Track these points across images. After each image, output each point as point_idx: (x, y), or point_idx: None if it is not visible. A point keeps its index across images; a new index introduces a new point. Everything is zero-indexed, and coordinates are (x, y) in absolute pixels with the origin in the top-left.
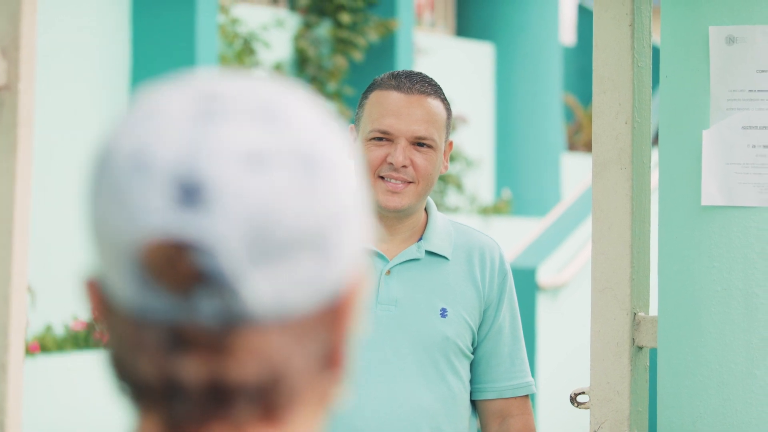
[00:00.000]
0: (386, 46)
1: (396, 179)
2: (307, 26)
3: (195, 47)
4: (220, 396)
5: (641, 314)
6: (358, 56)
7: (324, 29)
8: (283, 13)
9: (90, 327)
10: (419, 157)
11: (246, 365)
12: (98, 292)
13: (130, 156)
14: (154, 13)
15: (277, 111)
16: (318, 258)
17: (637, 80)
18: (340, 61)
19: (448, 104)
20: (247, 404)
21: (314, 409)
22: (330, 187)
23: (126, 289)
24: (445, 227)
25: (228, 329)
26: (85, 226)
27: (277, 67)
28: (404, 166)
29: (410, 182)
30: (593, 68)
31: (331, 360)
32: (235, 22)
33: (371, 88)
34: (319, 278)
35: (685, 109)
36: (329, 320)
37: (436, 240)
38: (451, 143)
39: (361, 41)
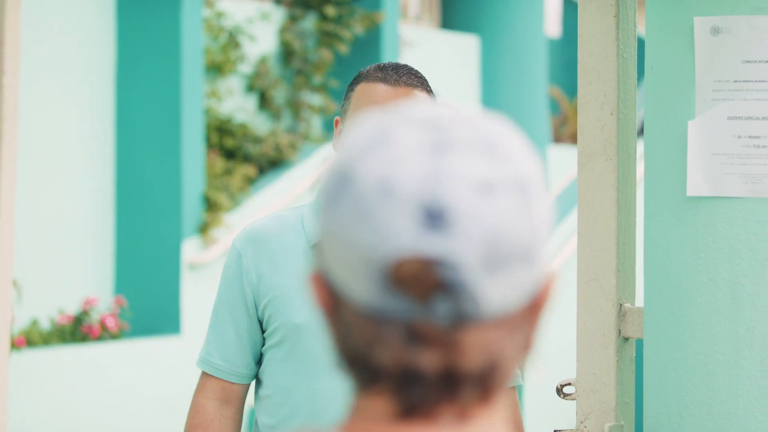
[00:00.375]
0: (372, 39)
1: None
2: (293, 19)
3: (180, 41)
4: (451, 382)
5: (627, 305)
6: (343, 49)
7: (309, 22)
8: (268, 6)
9: (76, 321)
10: None
11: (472, 356)
12: (326, 288)
13: (377, 182)
14: (139, 6)
15: (495, 143)
16: (528, 266)
17: (622, 71)
18: (326, 54)
19: (434, 96)
20: (472, 389)
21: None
22: (538, 208)
23: (366, 292)
24: None
25: (458, 327)
26: (324, 237)
27: (263, 61)
28: None
29: None
30: (578, 59)
31: (525, 346)
32: (220, 15)
33: (357, 80)
34: (528, 282)
35: (670, 99)
36: (529, 315)
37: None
38: None
39: (346, 34)
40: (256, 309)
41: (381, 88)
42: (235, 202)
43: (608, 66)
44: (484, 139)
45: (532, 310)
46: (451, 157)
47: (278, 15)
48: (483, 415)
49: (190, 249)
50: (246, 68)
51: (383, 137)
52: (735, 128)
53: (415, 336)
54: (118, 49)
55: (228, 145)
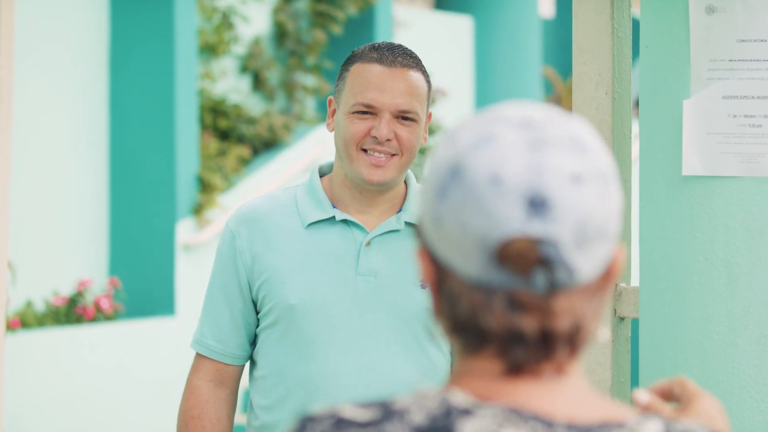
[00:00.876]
0: (365, 19)
1: (380, 152)
2: (286, 0)
3: (174, 22)
4: (547, 342)
5: (623, 285)
6: (337, 30)
7: (303, 3)
8: None
9: (70, 302)
10: (403, 130)
11: (563, 319)
12: (432, 263)
13: (487, 175)
14: None
15: (581, 140)
16: (605, 243)
17: (617, 51)
18: (319, 35)
19: (428, 76)
20: (564, 347)
21: None
22: (614, 195)
23: (476, 267)
24: None
25: (552, 295)
26: (433, 219)
27: (256, 42)
28: (388, 140)
29: (393, 155)
30: (573, 39)
31: (599, 309)
32: None
33: (351, 60)
34: (605, 256)
35: (665, 79)
36: (603, 283)
37: (415, 209)
38: (430, 115)
39: (339, 15)
40: (250, 290)
41: (376, 69)
42: (229, 183)
43: (603, 46)
44: (572, 137)
45: (605, 278)
46: (548, 153)
47: None
48: (573, 369)
49: (185, 230)
50: (239, 49)
51: (488, 135)
52: (730, 107)
53: (517, 303)
54: (112, 31)
55: (222, 126)
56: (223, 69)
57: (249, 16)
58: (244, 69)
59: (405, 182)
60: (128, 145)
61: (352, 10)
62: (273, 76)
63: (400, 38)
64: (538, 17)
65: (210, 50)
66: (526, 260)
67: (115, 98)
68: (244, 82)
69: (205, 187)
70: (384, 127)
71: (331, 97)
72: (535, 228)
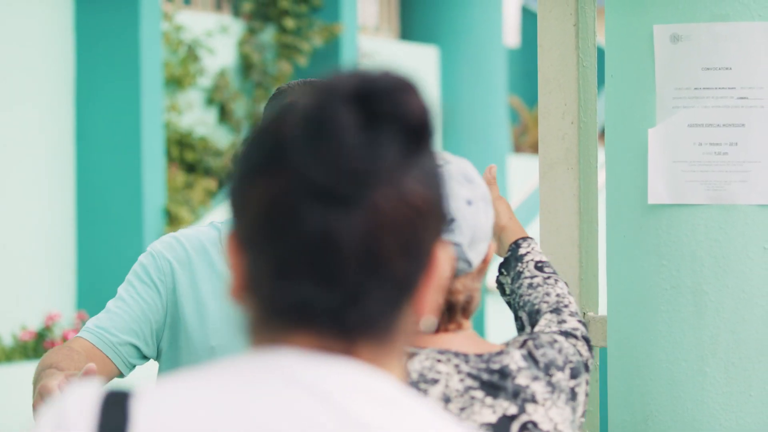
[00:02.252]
0: (330, 50)
1: None
2: (251, 32)
3: (139, 54)
4: (451, 310)
5: (591, 314)
6: (302, 61)
7: (268, 35)
8: (227, 19)
9: (38, 337)
10: None
11: (461, 294)
12: None
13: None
14: (97, 19)
15: (468, 175)
16: (485, 242)
17: (582, 80)
18: (285, 67)
19: None
20: (461, 312)
21: None
22: (490, 211)
23: None
24: None
25: (455, 279)
26: None
27: (222, 74)
28: None
29: None
30: (538, 69)
31: (480, 286)
32: (179, 29)
33: (279, 95)
34: (485, 251)
35: (630, 107)
36: (483, 267)
37: None
38: None
39: (305, 46)
40: (165, 317)
41: None
42: (196, 215)
43: (568, 75)
44: (464, 174)
45: (484, 264)
46: (451, 186)
47: (237, 28)
48: (468, 325)
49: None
50: (205, 81)
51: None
52: (695, 135)
53: None
54: (77, 62)
55: (188, 158)
56: (189, 101)
57: (214, 49)
58: (210, 101)
59: None
60: (95, 179)
61: (318, 41)
62: (239, 108)
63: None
64: (503, 47)
65: (176, 83)
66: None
67: (81, 131)
68: (211, 115)
69: (172, 219)
70: None
71: None
72: (446, 237)
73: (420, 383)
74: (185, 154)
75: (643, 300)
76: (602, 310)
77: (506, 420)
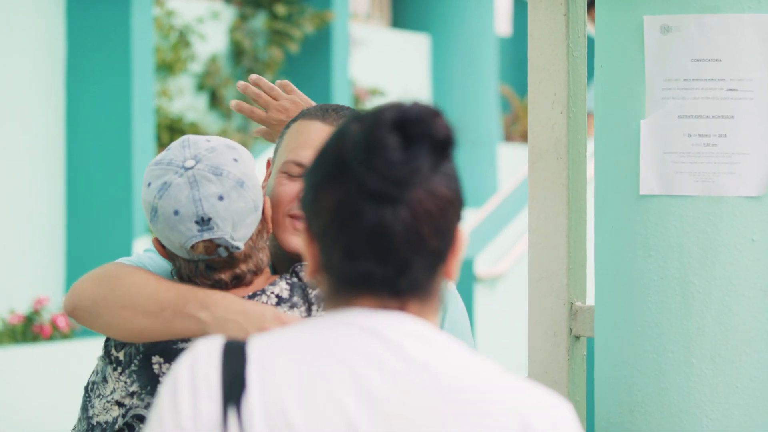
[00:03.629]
0: (322, 37)
1: None
2: (243, 18)
3: (130, 40)
4: (239, 279)
5: (578, 304)
6: (294, 48)
7: (259, 21)
8: (218, 5)
9: (27, 321)
10: None
11: (247, 265)
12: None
13: (171, 210)
14: (89, 6)
15: (219, 168)
16: (253, 215)
17: (572, 70)
18: (276, 53)
19: None
20: (251, 274)
21: None
22: (245, 192)
23: (185, 255)
24: None
25: (231, 257)
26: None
27: (213, 60)
28: None
29: None
30: (528, 59)
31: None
32: (170, 14)
33: (295, 118)
34: (254, 224)
35: (620, 98)
36: (260, 229)
37: None
38: None
39: (296, 33)
40: None
41: (316, 126)
42: None
43: (558, 65)
44: (212, 167)
45: (261, 226)
46: (201, 186)
47: (228, 14)
48: (258, 280)
49: (141, 248)
50: (196, 67)
51: (164, 183)
52: (685, 127)
53: (212, 266)
54: (68, 48)
55: None
56: (180, 87)
57: (206, 35)
58: (200, 87)
59: None
60: (85, 163)
61: (309, 28)
62: (230, 94)
63: (357, 56)
64: (494, 36)
65: (167, 68)
66: (208, 250)
67: (71, 116)
68: (201, 100)
69: None
70: None
71: (270, 158)
72: (205, 235)
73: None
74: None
75: (631, 290)
76: (590, 300)
77: None
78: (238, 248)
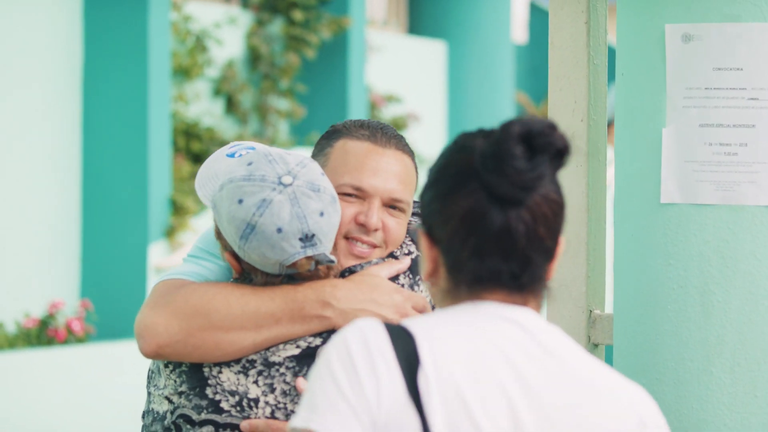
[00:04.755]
0: (338, 43)
1: (365, 243)
2: (260, 24)
3: (147, 45)
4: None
5: (597, 312)
6: (310, 54)
7: (276, 27)
8: (235, 10)
9: (42, 325)
10: (391, 221)
11: (334, 273)
12: (237, 260)
13: (274, 227)
14: (106, 10)
15: (316, 184)
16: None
17: (593, 78)
18: (293, 59)
19: (416, 162)
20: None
21: None
22: (338, 205)
23: (274, 270)
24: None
25: (327, 269)
26: (239, 250)
27: (230, 65)
28: (376, 230)
29: (377, 247)
30: (549, 66)
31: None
32: (187, 19)
33: (335, 135)
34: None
35: (641, 106)
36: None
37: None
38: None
39: (313, 39)
40: None
41: (368, 148)
42: (201, 206)
43: (579, 73)
44: (309, 182)
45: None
46: (302, 202)
47: (245, 19)
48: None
49: (157, 253)
50: (213, 72)
51: (263, 199)
52: (706, 136)
53: (293, 278)
54: (85, 52)
55: (195, 149)
56: (197, 92)
57: (223, 40)
58: (217, 92)
59: None
60: (101, 168)
61: (326, 34)
62: (246, 99)
63: (374, 62)
64: (511, 43)
65: (183, 73)
66: (306, 266)
67: (88, 121)
68: (218, 105)
69: (177, 209)
70: (374, 214)
71: None
72: (308, 252)
73: None
74: (192, 145)
75: (650, 299)
76: (608, 308)
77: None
78: (333, 261)
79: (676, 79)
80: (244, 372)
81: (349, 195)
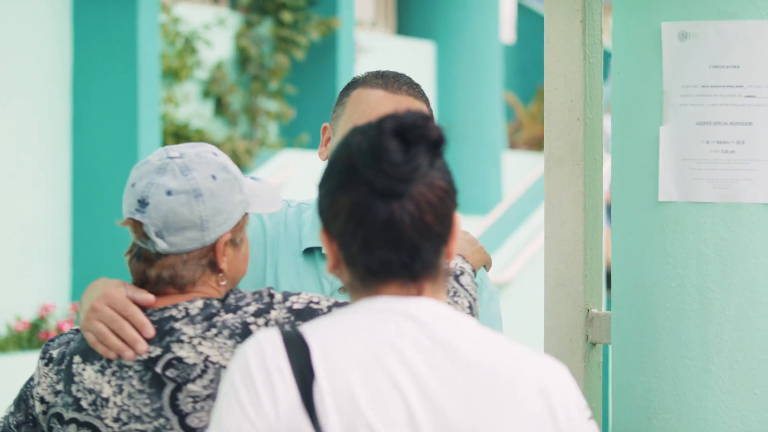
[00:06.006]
0: (328, 44)
1: None
2: (249, 25)
3: (137, 46)
4: (159, 282)
5: (594, 310)
6: (299, 55)
7: (265, 28)
8: (224, 11)
9: (33, 327)
10: None
11: (163, 270)
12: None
13: (130, 182)
14: (95, 12)
15: (189, 167)
16: (191, 231)
17: (589, 76)
18: (282, 60)
19: (431, 109)
20: (162, 286)
21: None
22: (196, 205)
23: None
24: None
25: (158, 255)
26: None
27: (219, 67)
28: None
29: None
30: (545, 65)
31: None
32: (176, 21)
33: (352, 85)
34: (195, 238)
35: (637, 105)
36: (204, 253)
37: None
38: None
39: (302, 40)
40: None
41: (380, 94)
42: None
43: (575, 71)
44: (182, 167)
45: (209, 250)
46: (160, 175)
47: (234, 20)
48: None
49: None
50: (202, 74)
51: (143, 161)
52: (704, 133)
53: (140, 255)
54: (75, 54)
55: None
56: (186, 93)
57: (212, 41)
58: (206, 94)
59: None
60: (91, 170)
61: (315, 35)
62: (235, 100)
63: (363, 63)
64: (499, 43)
65: (173, 75)
66: (137, 233)
67: (78, 123)
68: (207, 107)
69: None
70: None
71: (326, 124)
72: (137, 216)
73: None
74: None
75: (648, 297)
76: (606, 306)
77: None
78: (156, 246)
79: (673, 77)
80: (102, 371)
81: None
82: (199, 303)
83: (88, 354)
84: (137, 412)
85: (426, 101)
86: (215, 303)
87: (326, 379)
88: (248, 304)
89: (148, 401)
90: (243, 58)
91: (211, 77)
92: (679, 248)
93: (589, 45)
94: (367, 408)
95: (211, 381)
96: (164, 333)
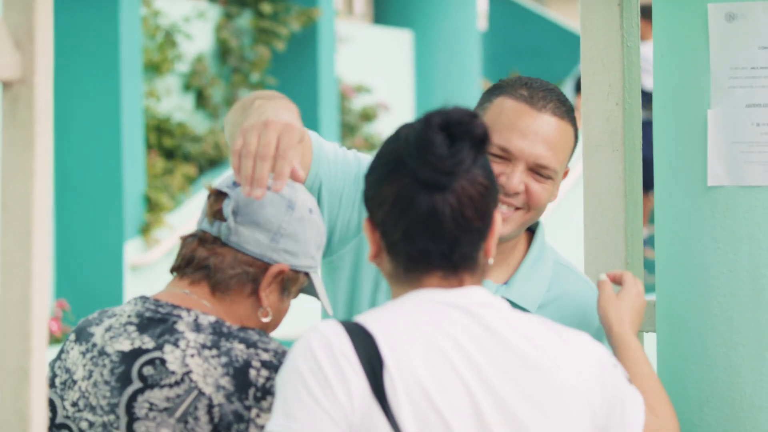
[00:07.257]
0: (308, 35)
1: (505, 203)
2: (228, 17)
3: (119, 40)
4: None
5: None
6: (280, 46)
7: (245, 20)
8: (203, 4)
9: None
10: (535, 185)
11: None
12: None
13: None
14: (76, 6)
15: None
16: (267, 238)
17: (627, 60)
18: (263, 52)
19: (577, 129)
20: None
21: None
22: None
23: None
24: (542, 270)
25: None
26: None
27: (200, 59)
28: (516, 193)
29: (519, 208)
30: (581, 50)
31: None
32: (156, 14)
33: (498, 90)
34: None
35: (683, 88)
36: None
37: (523, 287)
38: (567, 171)
39: (283, 31)
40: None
41: (522, 109)
42: (176, 201)
43: (613, 56)
44: (290, 181)
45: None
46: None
47: (214, 13)
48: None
49: (132, 250)
50: (183, 67)
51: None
52: (754, 116)
53: (197, 236)
54: (56, 50)
55: (167, 144)
56: (167, 87)
57: (192, 34)
58: (187, 87)
59: (531, 238)
60: (74, 165)
61: (295, 26)
62: (217, 93)
63: (342, 53)
64: (476, 31)
65: (154, 68)
66: (213, 206)
67: (60, 118)
68: (188, 100)
69: (152, 206)
70: (516, 178)
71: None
72: (225, 189)
73: None
74: (164, 141)
75: (698, 284)
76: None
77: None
78: (221, 229)
79: (721, 59)
80: (84, 353)
81: (496, 156)
82: (212, 318)
83: (81, 333)
84: (94, 402)
85: (572, 121)
86: (228, 325)
87: (396, 368)
88: (266, 351)
89: (108, 394)
90: (223, 51)
91: (191, 70)
92: (730, 234)
93: (627, 28)
94: (435, 394)
95: (177, 396)
96: (165, 330)
